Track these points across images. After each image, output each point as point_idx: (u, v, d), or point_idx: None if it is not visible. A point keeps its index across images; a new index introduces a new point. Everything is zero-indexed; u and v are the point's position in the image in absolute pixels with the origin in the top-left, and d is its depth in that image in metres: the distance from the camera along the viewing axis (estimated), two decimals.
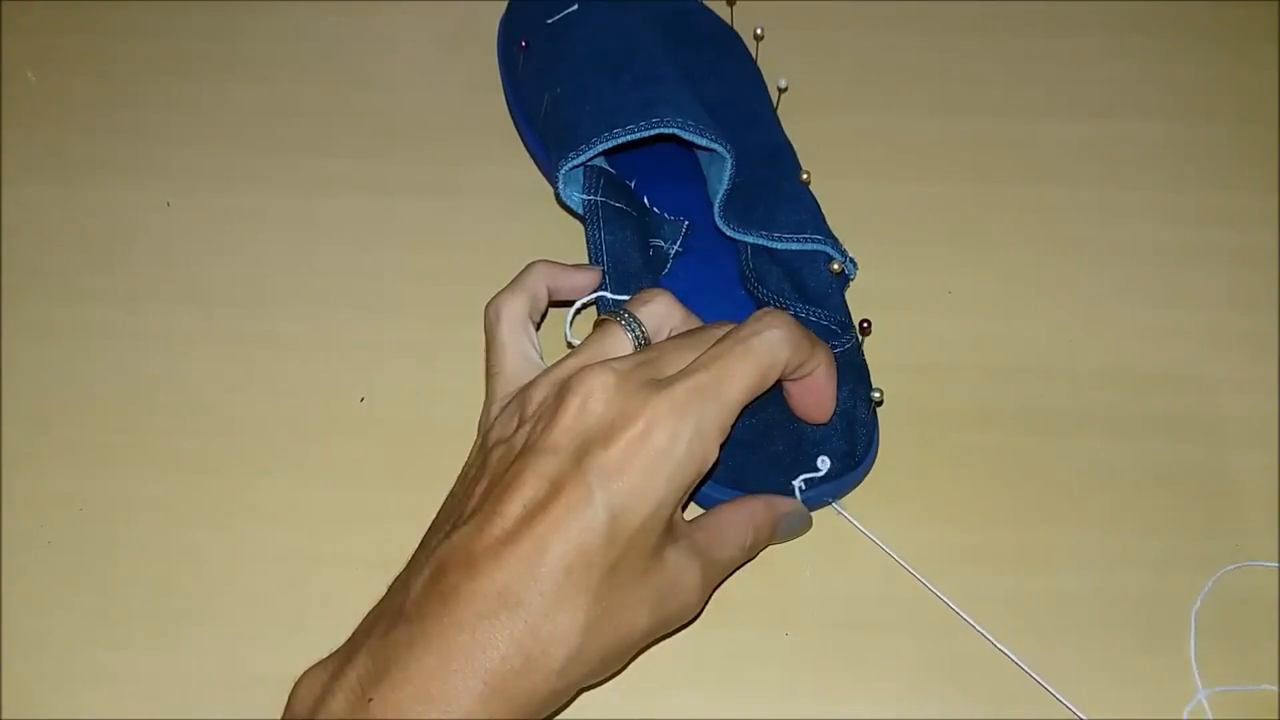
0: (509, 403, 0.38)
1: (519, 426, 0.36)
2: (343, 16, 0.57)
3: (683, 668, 0.40)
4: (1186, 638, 0.40)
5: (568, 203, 0.45)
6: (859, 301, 0.47)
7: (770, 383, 0.36)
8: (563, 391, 0.35)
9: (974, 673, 0.40)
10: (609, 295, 0.42)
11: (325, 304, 0.48)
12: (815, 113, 0.53)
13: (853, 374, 0.41)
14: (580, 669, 0.33)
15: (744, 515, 0.39)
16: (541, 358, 0.41)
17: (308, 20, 0.57)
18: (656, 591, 0.34)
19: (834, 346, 0.41)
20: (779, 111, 0.50)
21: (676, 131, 0.43)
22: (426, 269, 0.49)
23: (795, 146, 0.48)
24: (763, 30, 0.51)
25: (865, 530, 0.42)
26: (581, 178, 0.45)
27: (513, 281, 0.42)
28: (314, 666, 0.33)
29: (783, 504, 0.40)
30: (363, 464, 0.44)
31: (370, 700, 0.31)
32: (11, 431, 0.45)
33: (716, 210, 0.45)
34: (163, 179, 0.52)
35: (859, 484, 0.42)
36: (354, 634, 0.34)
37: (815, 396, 0.39)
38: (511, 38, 0.51)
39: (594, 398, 0.34)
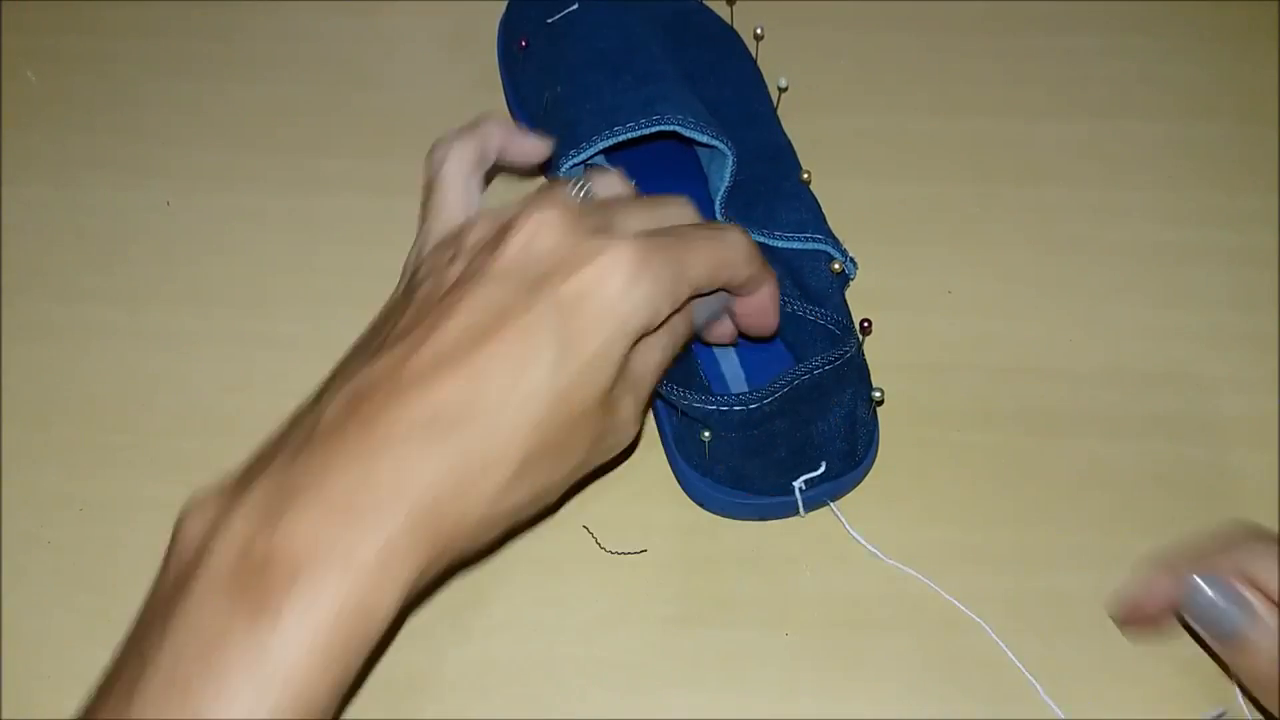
0: (443, 239, 0.36)
1: (452, 261, 0.34)
2: (343, 16, 0.57)
3: (683, 668, 0.40)
4: (1184, 638, 0.40)
5: None
6: (859, 301, 0.47)
7: (721, 279, 0.35)
8: (507, 227, 0.33)
9: (974, 673, 0.40)
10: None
11: (325, 304, 0.48)
12: (815, 113, 0.54)
13: (854, 374, 0.41)
14: (512, 500, 0.32)
15: (665, 333, 0.36)
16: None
17: (308, 20, 0.57)
18: (599, 429, 0.33)
19: (841, 352, 0.41)
20: (779, 111, 0.50)
21: (677, 128, 0.43)
22: None
23: (795, 146, 0.48)
24: (763, 30, 0.51)
25: (853, 530, 0.42)
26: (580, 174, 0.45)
27: (463, 127, 0.40)
28: (199, 498, 0.31)
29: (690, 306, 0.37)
30: None
31: (274, 527, 0.29)
32: (11, 431, 0.45)
33: (718, 207, 0.45)
34: (163, 179, 0.52)
35: (859, 483, 0.42)
36: (244, 468, 0.32)
37: (761, 315, 0.38)
38: (511, 37, 0.51)
39: (542, 234, 0.33)
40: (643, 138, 0.43)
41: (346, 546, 0.28)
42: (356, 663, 0.29)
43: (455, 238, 0.36)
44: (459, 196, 0.38)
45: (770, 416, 0.38)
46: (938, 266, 0.49)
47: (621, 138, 0.43)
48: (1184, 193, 0.52)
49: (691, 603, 0.41)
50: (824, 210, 0.46)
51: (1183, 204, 0.51)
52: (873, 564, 0.42)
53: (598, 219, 0.34)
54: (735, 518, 0.42)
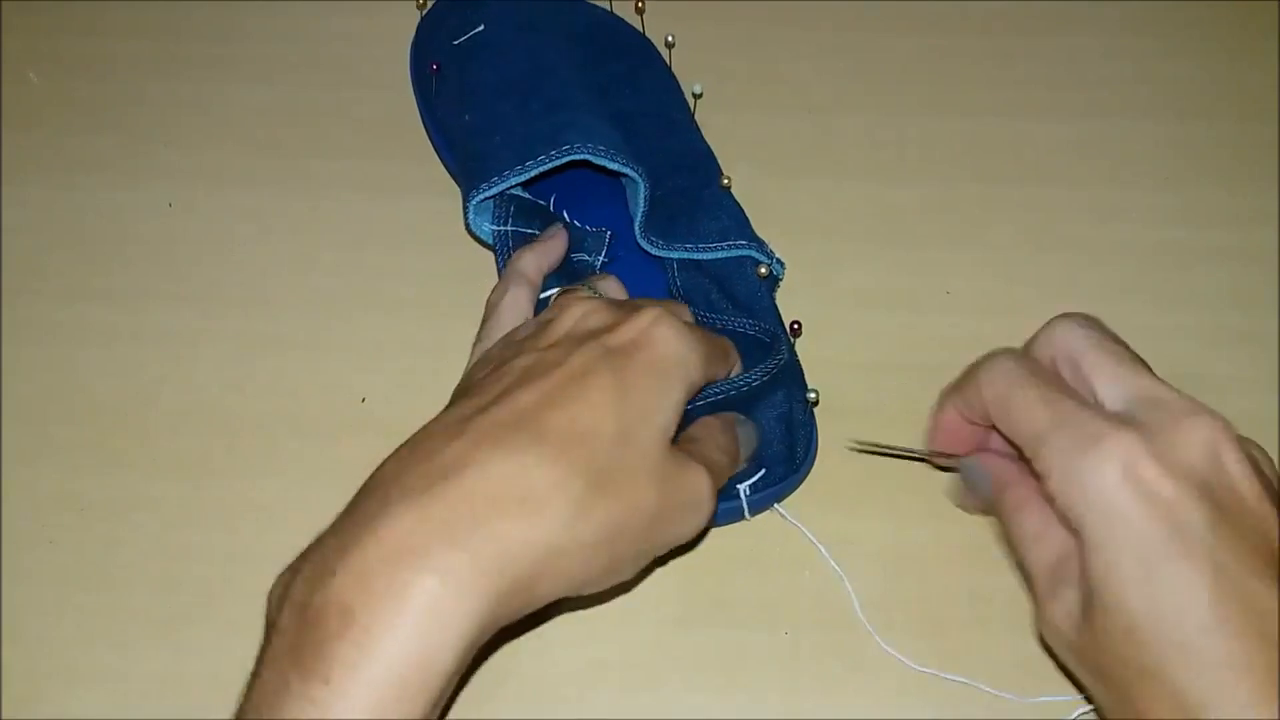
0: (493, 345, 0.38)
1: (504, 358, 0.35)
2: (343, 16, 0.57)
3: (683, 668, 0.40)
4: None
5: (477, 233, 0.45)
6: (859, 300, 0.47)
7: (731, 365, 0.39)
8: (553, 313, 0.36)
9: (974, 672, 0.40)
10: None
11: (326, 304, 0.48)
12: (815, 112, 0.54)
13: (785, 377, 0.41)
14: (579, 534, 0.30)
15: (714, 424, 0.38)
16: None
17: (308, 20, 0.57)
18: (663, 478, 0.33)
19: (775, 361, 0.40)
20: (697, 116, 0.50)
21: (588, 158, 0.42)
22: (426, 269, 0.49)
23: (794, 145, 0.49)
24: (674, 38, 0.50)
25: (805, 529, 0.42)
26: (491, 206, 0.44)
27: (509, 276, 0.42)
28: (284, 569, 0.31)
29: (731, 417, 0.39)
30: (364, 464, 0.44)
31: (333, 574, 0.28)
32: (12, 431, 0.45)
33: (638, 231, 0.44)
34: (164, 180, 0.52)
35: (800, 485, 0.42)
36: (320, 532, 0.31)
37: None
38: (422, 61, 0.49)
39: (591, 315, 0.35)
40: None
41: (399, 589, 0.27)
42: (424, 709, 0.28)
43: (504, 341, 0.38)
44: (518, 311, 0.41)
45: (700, 413, 0.38)
46: (938, 266, 0.49)
47: (533, 172, 0.42)
48: (1184, 193, 0.52)
49: (691, 603, 0.41)
50: (824, 210, 0.46)
51: (1183, 204, 0.51)
52: None
53: (628, 303, 0.37)
54: None
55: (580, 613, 0.41)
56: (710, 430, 0.38)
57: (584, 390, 0.32)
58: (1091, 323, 0.35)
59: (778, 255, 0.45)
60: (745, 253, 0.44)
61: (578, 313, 0.35)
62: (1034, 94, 0.55)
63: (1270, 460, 0.33)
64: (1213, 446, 0.31)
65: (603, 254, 0.45)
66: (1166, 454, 0.30)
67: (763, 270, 0.44)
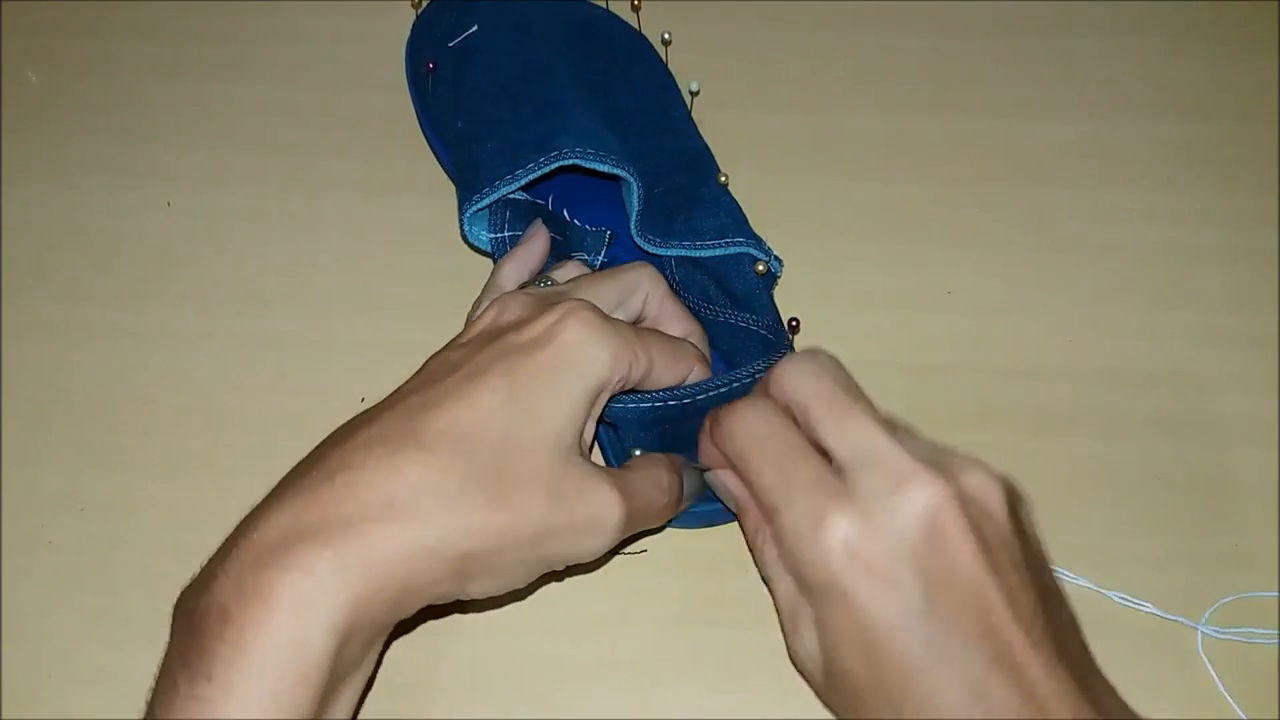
0: None
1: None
2: (343, 16, 0.57)
3: (682, 668, 0.40)
4: (1185, 638, 0.40)
5: (474, 243, 0.44)
6: (860, 300, 0.47)
7: (676, 371, 0.38)
8: (481, 315, 0.36)
9: None
10: None
11: (325, 304, 0.48)
12: (815, 112, 0.54)
13: None
14: (455, 534, 0.30)
15: (659, 459, 0.38)
16: None
17: (308, 20, 0.57)
18: (556, 488, 0.32)
19: (779, 355, 0.40)
20: (695, 114, 0.49)
21: (577, 162, 0.42)
22: (426, 269, 0.49)
23: (793, 145, 0.48)
24: (670, 35, 0.50)
25: None
26: (487, 214, 0.44)
27: (488, 292, 0.42)
28: None
29: (679, 459, 0.39)
30: None
31: (214, 578, 0.29)
32: (11, 431, 0.45)
33: (633, 230, 0.44)
34: (163, 179, 0.52)
35: None
36: None
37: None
38: (418, 61, 0.49)
39: (508, 310, 0.35)
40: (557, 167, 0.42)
41: (265, 587, 0.29)
42: (307, 697, 0.29)
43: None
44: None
45: (700, 412, 0.38)
46: (938, 266, 0.49)
47: (523, 181, 0.42)
48: (1184, 193, 0.52)
49: (691, 603, 0.41)
50: (825, 210, 0.46)
51: (1182, 204, 0.51)
52: None
53: (556, 296, 0.36)
54: (685, 527, 0.42)
55: (579, 612, 0.41)
56: (651, 463, 0.37)
57: (471, 391, 0.32)
58: (819, 365, 0.35)
59: (776, 253, 0.45)
60: (743, 250, 0.44)
61: (498, 309, 0.36)
62: (1034, 94, 0.55)
63: (1021, 497, 0.33)
64: (928, 513, 0.31)
65: (603, 253, 0.45)
66: (884, 526, 0.31)
67: (760, 268, 0.44)
